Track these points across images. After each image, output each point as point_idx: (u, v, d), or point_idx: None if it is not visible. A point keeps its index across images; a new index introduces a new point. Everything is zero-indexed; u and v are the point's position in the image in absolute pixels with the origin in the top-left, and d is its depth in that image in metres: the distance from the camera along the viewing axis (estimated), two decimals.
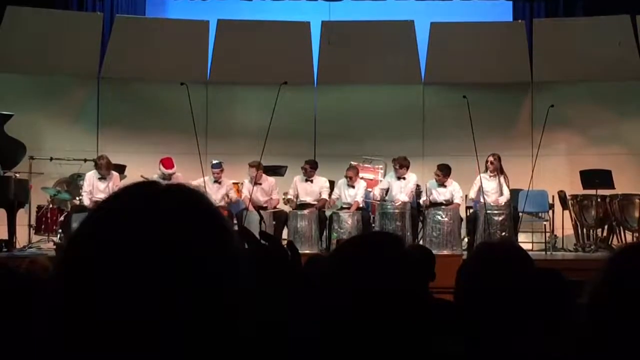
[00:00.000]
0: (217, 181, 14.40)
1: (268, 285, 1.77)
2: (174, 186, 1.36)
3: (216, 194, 14.14)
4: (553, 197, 15.15)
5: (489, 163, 14.08)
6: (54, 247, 13.45)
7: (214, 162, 14.54)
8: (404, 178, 14.30)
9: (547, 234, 14.92)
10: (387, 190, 14.37)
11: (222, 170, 14.46)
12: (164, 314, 1.21)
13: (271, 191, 14.53)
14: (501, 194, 14.01)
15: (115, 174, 14.15)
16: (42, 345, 1.25)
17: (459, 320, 2.88)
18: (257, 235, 1.86)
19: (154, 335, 1.21)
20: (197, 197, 1.35)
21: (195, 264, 1.25)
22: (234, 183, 15.04)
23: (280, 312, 1.78)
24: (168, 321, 1.21)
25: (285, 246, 1.91)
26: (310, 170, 14.47)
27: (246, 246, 1.81)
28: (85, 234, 1.29)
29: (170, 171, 14.13)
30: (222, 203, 14.15)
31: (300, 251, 2.00)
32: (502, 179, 14.09)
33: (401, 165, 14.26)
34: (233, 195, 14.59)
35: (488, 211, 13.52)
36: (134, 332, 1.20)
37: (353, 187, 14.27)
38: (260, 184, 14.36)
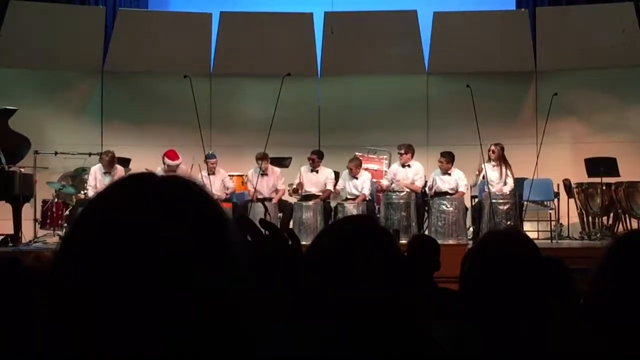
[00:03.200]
0: (211, 172, 14.38)
1: (269, 276, 1.76)
2: (169, 178, 1.34)
3: (213, 186, 14.14)
4: (558, 185, 15.11)
5: (490, 152, 14.06)
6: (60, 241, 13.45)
7: (209, 153, 14.51)
8: (409, 165, 14.30)
9: (553, 223, 14.90)
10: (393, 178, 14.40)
11: (216, 162, 14.44)
12: (164, 315, 1.19)
13: (277, 182, 14.50)
14: (505, 183, 13.99)
15: (119, 167, 14.15)
16: (44, 341, 1.24)
17: (462, 308, 2.87)
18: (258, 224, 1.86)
19: (155, 336, 1.19)
20: (194, 190, 1.33)
21: (194, 262, 1.23)
22: (237, 176, 15.04)
23: (281, 305, 1.77)
24: (168, 322, 1.20)
25: (286, 235, 1.90)
26: (317, 160, 14.46)
27: (247, 236, 1.80)
28: (80, 232, 1.27)
29: (176, 162, 14.11)
30: (222, 195, 14.13)
31: (305, 242, 1.99)
32: (505, 168, 14.07)
33: (406, 151, 14.25)
34: (230, 183, 14.56)
35: (493, 200, 13.50)
36: (134, 333, 1.19)
37: (357, 178, 14.26)
38: (267, 174, 14.34)
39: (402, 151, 14.32)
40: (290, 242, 1.86)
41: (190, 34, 16.79)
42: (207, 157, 14.40)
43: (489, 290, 2.83)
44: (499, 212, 13.50)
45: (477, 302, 2.81)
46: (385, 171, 14.90)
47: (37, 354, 1.24)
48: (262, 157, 14.22)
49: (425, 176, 14.74)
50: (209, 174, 14.31)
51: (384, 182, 14.43)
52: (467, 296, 2.98)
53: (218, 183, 14.39)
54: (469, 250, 3.29)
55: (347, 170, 14.42)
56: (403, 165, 14.34)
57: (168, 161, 14.12)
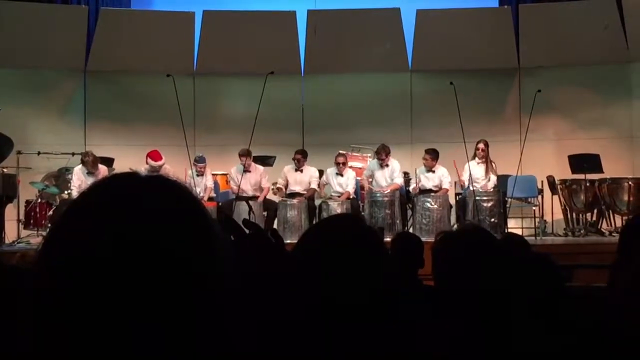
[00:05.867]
0: (200, 174, 14.37)
1: (253, 276, 1.75)
2: (153, 178, 1.33)
3: (200, 186, 14.14)
4: (542, 182, 15.14)
5: (480, 150, 14.07)
6: None
7: (198, 155, 14.49)
8: (387, 165, 14.31)
9: (537, 219, 14.92)
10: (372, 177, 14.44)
11: (204, 165, 14.43)
12: (146, 315, 1.18)
13: (260, 179, 14.48)
14: (489, 180, 14.04)
15: (103, 167, 14.09)
16: (26, 342, 1.23)
17: (445, 307, 2.87)
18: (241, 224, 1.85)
19: (135, 337, 1.18)
20: (177, 190, 1.32)
21: (177, 261, 1.22)
22: (222, 174, 15.02)
23: (265, 304, 1.77)
24: (151, 323, 1.19)
25: (268, 234, 1.90)
26: (302, 160, 14.48)
27: (231, 236, 1.80)
28: (62, 232, 1.26)
29: (159, 163, 14.08)
30: (206, 197, 14.09)
31: (289, 241, 1.99)
32: (489, 165, 14.10)
33: (386, 154, 14.26)
34: (209, 183, 14.49)
35: (477, 197, 13.53)
36: (114, 333, 1.18)
37: (342, 175, 14.27)
38: (250, 171, 14.31)
39: (384, 156, 14.29)
40: (273, 242, 1.86)
41: (173, 33, 16.75)
42: (196, 161, 14.37)
43: (462, 289, 2.83)
44: (483, 209, 13.53)
45: (455, 300, 2.82)
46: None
47: (21, 355, 1.23)
48: (245, 154, 14.21)
49: (408, 173, 14.77)
50: (197, 175, 14.29)
51: (364, 177, 14.47)
52: (445, 296, 2.99)
53: (203, 184, 14.38)
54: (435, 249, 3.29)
55: (332, 168, 14.43)
56: (382, 166, 14.34)
57: (151, 162, 14.10)
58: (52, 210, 14.17)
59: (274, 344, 1.77)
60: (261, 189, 14.45)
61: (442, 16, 16.96)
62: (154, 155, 14.20)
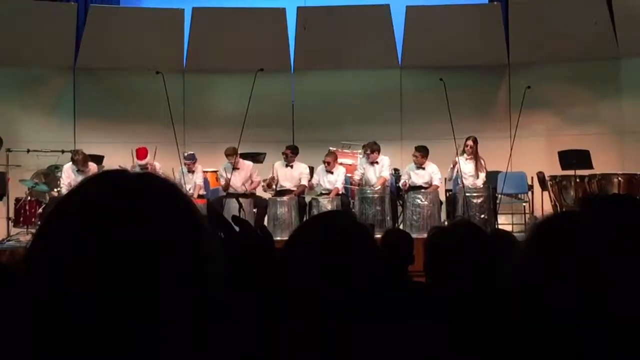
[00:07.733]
0: (190, 171, 14.36)
1: (242, 271, 1.75)
2: (141, 175, 1.32)
3: (190, 183, 14.12)
4: (532, 178, 15.17)
5: (468, 147, 14.08)
6: None
7: (187, 153, 14.48)
8: (377, 162, 14.32)
9: (527, 215, 14.95)
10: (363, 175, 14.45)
11: (194, 162, 14.41)
12: (136, 313, 1.18)
13: (250, 175, 14.46)
14: (477, 176, 14.05)
15: (92, 165, 14.06)
16: (12, 341, 1.22)
17: (433, 301, 2.87)
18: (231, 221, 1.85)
19: (121, 336, 1.17)
20: (166, 188, 1.31)
21: (165, 258, 1.21)
22: (211, 172, 15.00)
23: (254, 301, 1.76)
24: (139, 320, 1.18)
25: (258, 231, 1.89)
26: (291, 155, 14.46)
27: (220, 233, 1.79)
28: (52, 228, 1.25)
29: (142, 162, 14.05)
30: (196, 194, 14.06)
31: (280, 238, 1.99)
32: (478, 161, 14.12)
33: (372, 150, 14.27)
34: (199, 180, 14.47)
35: (467, 194, 13.54)
36: (103, 330, 1.17)
37: (332, 173, 14.26)
38: (238, 168, 14.29)
39: (369, 151, 14.32)
40: (262, 238, 1.85)
41: (162, 30, 16.72)
42: (186, 158, 14.36)
43: (454, 285, 2.83)
44: (473, 206, 13.55)
45: (446, 296, 2.82)
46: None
47: (12, 353, 1.22)
48: (231, 153, 14.18)
49: (398, 170, 14.78)
50: (188, 172, 14.28)
51: (356, 177, 14.46)
52: (436, 293, 2.98)
53: (193, 181, 14.35)
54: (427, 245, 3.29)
55: (322, 166, 14.42)
56: (372, 163, 14.35)
57: (136, 160, 14.09)
58: (41, 208, 14.13)
59: (265, 342, 1.76)
60: (252, 183, 14.43)
61: (432, 12, 16.96)
62: (139, 153, 14.15)
